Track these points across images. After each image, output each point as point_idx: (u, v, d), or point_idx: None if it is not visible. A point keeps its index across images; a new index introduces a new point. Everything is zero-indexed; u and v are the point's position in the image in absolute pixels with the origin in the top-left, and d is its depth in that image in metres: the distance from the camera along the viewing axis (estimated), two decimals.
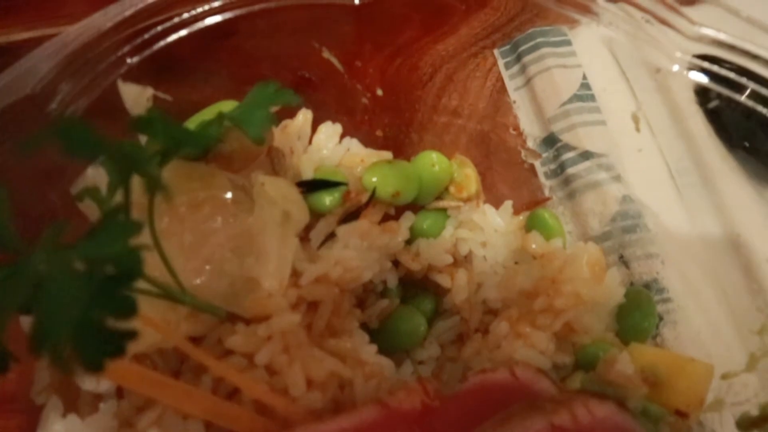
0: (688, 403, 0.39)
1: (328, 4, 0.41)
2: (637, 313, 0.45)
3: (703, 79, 0.50)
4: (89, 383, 0.39)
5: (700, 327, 0.47)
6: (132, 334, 0.26)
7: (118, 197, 0.33)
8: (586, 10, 0.55)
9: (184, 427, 0.36)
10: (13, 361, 0.29)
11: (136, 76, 0.39)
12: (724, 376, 0.41)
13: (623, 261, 0.55)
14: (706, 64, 0.46)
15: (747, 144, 0.57)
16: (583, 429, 0.34)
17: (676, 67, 0.46)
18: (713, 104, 0.56)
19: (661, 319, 0.51)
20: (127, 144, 0.29)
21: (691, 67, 0.47)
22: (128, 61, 0.39)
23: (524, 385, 0.39)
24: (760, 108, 0.50)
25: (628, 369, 0.37)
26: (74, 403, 0.39)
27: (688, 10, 0.47)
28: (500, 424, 0.35)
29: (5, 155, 0.35)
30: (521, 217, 0.53)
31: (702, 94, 0.57)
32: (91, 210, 0.40)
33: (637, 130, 0.55)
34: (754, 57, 0.48)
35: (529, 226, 0.52)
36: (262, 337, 0.37)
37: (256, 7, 0.42)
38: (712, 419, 0.42)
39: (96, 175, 0.38)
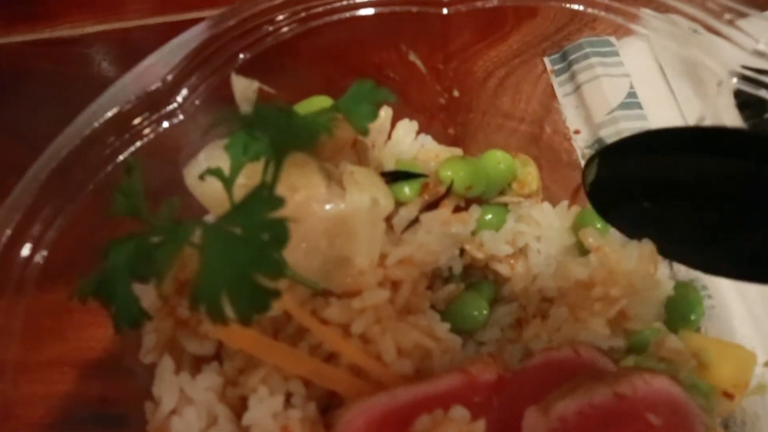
0: (734, 385, 0.43)
1: (416, 12, 0.46)
2: (686, 304, 0.49)
3: (749, 90, 0.53)
4: (194, 346, 0.44)
5: (741, 321, 0.50)
6: (278, 293, 0.30)
7: (239, 177, 0.38)
8: (634, 20, 0.58)
9: (286, 386, 0.40)
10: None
11: (245, 70, 0.44)
12: (767, 364, 0.45)
13: (669, 262, 0.59)
14: (759, 77, 0.49)
15: None
16: (642, 398, 0.38)
17: (730, 79, 0.50)
18: (754, 120, 0.59)
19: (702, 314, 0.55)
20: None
21: (743, 78, 0.50)
22: (240, 57, 0.44)
23: (587, 361, 0.43)
24: None
25: (678, 345, 0.41)
26: (180, 363, 0.44)
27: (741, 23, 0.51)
28: (567, 393, 0.39)
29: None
30: (572, 214, 0.57)
31: (745, 108, 0.60)
32: (198, 189, 0.44)
33: (701, 120, 0.58)
34: None
35: (579, 223, 0.56)
36: (356, 310, 0.42)
37: (347, 14, 0.47)
38: (755, 403, 0.46)
39: (208, 160, 0.42)
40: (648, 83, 0.67)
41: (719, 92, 0.51)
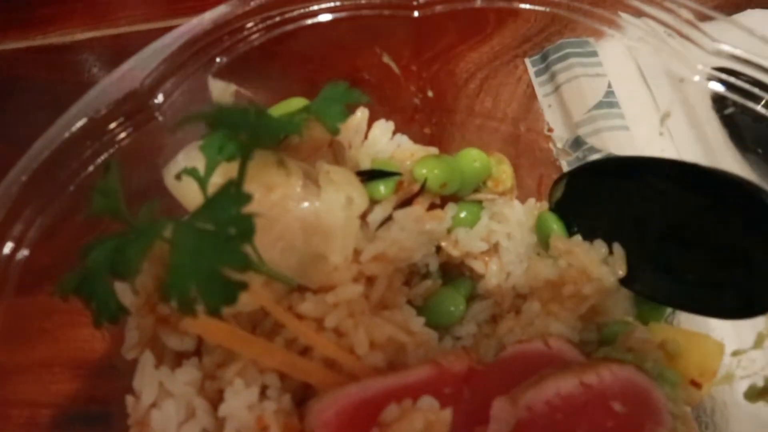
0: (701, 374, 0.44)
1: (389, 15, 0.47)
2: None
3: (720, 88, 0.55)
4: (175, 342, 0.45)
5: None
6: (245, 285, 0.31)
7: (216, 177, 0.39)
8: (612, 24, 0.60)
9: (261, 379, 0.41)
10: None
11: (222, 73, 0.45)
12: (734, 353, 0.46)
13: None
14: (723, 75, 0.51)
15: (760, 150, 0.62)
16: (608, 387, 0.39)
17: (695, 77, 0.51)
18: (729, 111, 0.61)
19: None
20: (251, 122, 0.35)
21: (710, 78, 0.51)
22: (217, 60, 0.45)
23: (556, 353, 0.44)
24: None
25: (645, 336, 0.43)
26: (161, 358, 0.45)
27: (707, 26, 0.52)
28: (537, 382, 0.40)
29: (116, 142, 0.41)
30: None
31: (719, 101, 0.61)
32: (177, 189, 0.45)
33: (661, 133, 0.60)
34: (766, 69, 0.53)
35: (540, 224, 0.56)
36: (330, 304, 0.43)
37: (323, 18, 0.48)
38: (723, 391, 0.47)
39: (186, 160, 0.44)
40: (625, 83, 0.69)
41: (681, 89, 0.52)
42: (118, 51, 0.88)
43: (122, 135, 0.43)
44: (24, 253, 0.41)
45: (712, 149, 0.62)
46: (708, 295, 0.45)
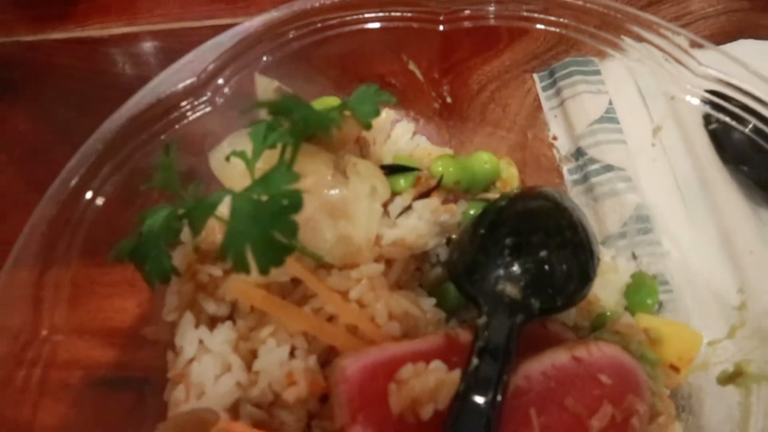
0: (679, 358, 0.49)
1: (417, 28, 0.53)
2: (643, 290, 0.56)
3: (709, 109, 0.61)
4: (212, 307, 0.50)
5: (694, 308, 0.57)
6: (292, 249, 0.37)
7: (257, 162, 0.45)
8: (615, 46, 0.65)
9: (291, 341, 0.46)
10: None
11: (267, 71, 0.50)
12: (710, 343, 0.52)
13: (635, 256, 0.65)
14: (712, 97, 0.56)
15: (745, 168, 0.67)
16: (596, 362, 0.44)
17: (686, 97, 0.57)
18: (718, 127, 0.66)
19: (661, 305, 0.62)
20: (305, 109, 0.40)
21: (700, 99, 0.57)
22: (264, 59, 0.51)
23: (553, 334, 0.50)
24: (757, 139, 0.60)
25: (630, 322, 0.48)
26: (198, 322, 0.50)
27: (699, 53, 0.58)
28: (535, 357, 0.45)
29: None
30: None
31: (708, 119, 0.67)
32: (220, 170, 0.51)
33: (653, 144, 0.65)
34: (752, 96, 0.58)
35: None
36: (354, 279, 0.48)
37: (357, 27, 0.54)
38: (699, 377, 0.52)
39: (231, 145, 0.49)
40: (625, 100, 0.74)
41: (673, 106, 0.58)
42: (153, 46, 0.93)
43: (179, 119, 0.49)
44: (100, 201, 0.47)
45: (701, 163, 0.67)
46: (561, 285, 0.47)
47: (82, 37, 0.93)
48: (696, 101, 0.59)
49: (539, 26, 0.59)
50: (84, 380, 0.56)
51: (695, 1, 0.91)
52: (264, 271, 0.36)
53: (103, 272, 0.61)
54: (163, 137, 0.48)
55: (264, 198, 0.37)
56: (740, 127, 0.60)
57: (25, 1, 0.98)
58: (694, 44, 0.58)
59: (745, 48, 0.84)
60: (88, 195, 0.47)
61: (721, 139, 0.66)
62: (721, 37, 0.85)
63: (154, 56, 0.92)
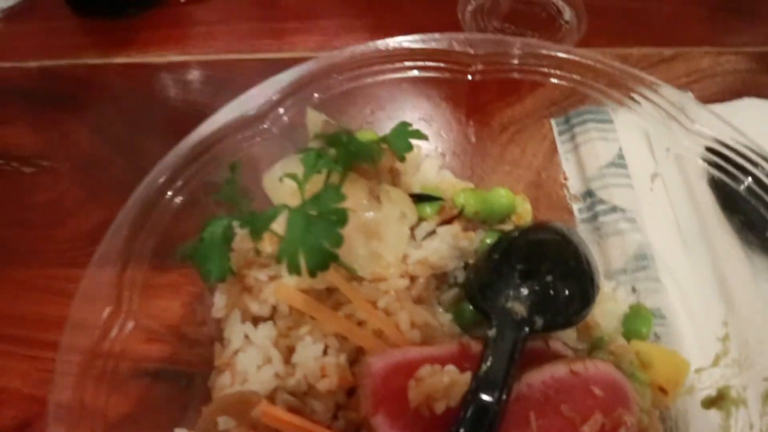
0: (667, 381, 0.55)
1: (447, 79, 0.61)
2: (638, 320, 0.62)
3: (707, 164, 0.67)
4: (255, 307, 0.57)
5: (686, 339, 0.63)
6: (336, 257, 0.44)
7: (306, 184, 0.52)
8: (622, 102, 0.70)
9: (325, 341, 0.53)
10: None
11: (317, 106, 0.59)
12: (697, 371, 0.58)
13: (634, 290, 0.70)
14: (709, 154, 0.63)
15: (742, 217, 0.73)
16: (591, 376, 0.51)
17: (686, 151, 0.63)
18: (716, 179, 0.71)
19: (658, 337, 0.67)
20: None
21: (701, 155, 0.63)
22: (315, 95, 0.59)
23: (554, 351, 0.56)
24: (756, 188, 0.65)
25: (624, 344, 0.54)
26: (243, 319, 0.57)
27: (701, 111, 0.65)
28: (537, 369, 0.52)
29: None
30: None
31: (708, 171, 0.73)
32: (272, 189, 0.58)
33: (651, 189, 0.72)
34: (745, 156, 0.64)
35: None
36: (382, 291, 0.55)
37: (396, 75, 0.62)
38: (685, 401, 0.58)
39: (285, 166, 0.57)
40: (633, 148, 0.81)
41: (667, 156, 0.65)
42: (203, 74, 1.01)
43: (241, 144, 0.57)
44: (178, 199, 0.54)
45: (701, 208, 0.72)
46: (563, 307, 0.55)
47: (142, 63, 1.02)
48: (696, 155, 0.65)
49: (555, 81, 0.66)
50: (131, 371, 0.60)
51: (706, 59, 0.98)
52: (312, 273, 0.44)
53: (152, 275, 0.68)
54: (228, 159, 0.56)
55: (314, 213, 0.44)
56: (737, 180, 0.66)
57: (94, 28, 1.09)
58: (700, 102, 0.64)
59: (748, 105, 0.90)
60: (163, 204, 0.54)
61: (719, 189, 0.72)
62: (728, 93, 0.91)
63: (204, 83, 1.01)
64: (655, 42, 1.00)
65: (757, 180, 0.62)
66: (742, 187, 0.64)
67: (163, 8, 1.10)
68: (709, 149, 0.66)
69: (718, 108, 0.90)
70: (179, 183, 0.55)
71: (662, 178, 0.78)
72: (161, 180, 0.54)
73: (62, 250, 0.82)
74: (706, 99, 0.92)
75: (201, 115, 0.92)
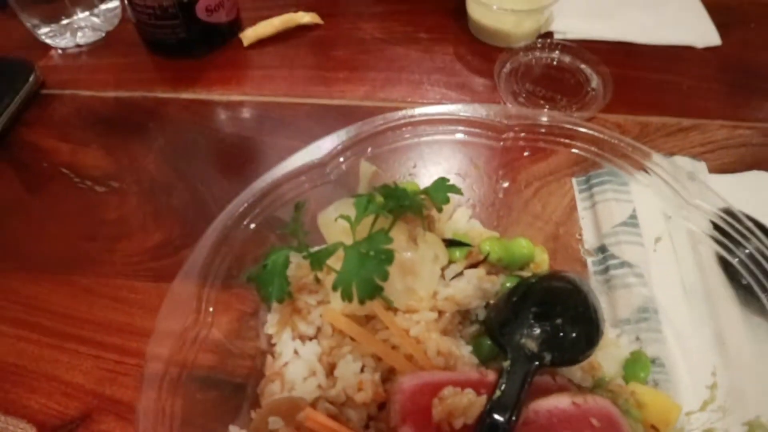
0: (659, 421, 0.63)
1: (482, 143, 0.71)
2: (638, 365, 0.69)
3: (711, 229, 0.74)
4: (303, 327, 0.67)
5: (682, 386, 0.70)
6: (382, 289, 0.53)
7: (358, 225, 0.62)
8: (639, 168, 0.79)
9: (362, 360, 0.62)
10: None
11: (370, 159, 0.69)
12: (687, 414, 0.65)
13: (638, 339, 0.78)
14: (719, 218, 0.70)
15: (743, 281, 0.80)
16: (590, 408, 0.58)
17: (696, 216, 0.71)
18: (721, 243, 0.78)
19: (657, 383, 0.75)
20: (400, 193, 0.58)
21: (707, 221, 0.71)
22: (368, 150, 0.70)
23: (560, 385, 0.64)
24: (757, 256, 0.70)
25: (621, 383, 0.62)
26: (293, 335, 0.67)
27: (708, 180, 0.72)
28: (543, 399, 0.60)
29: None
30: None
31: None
32: (325, 228, 0.68)
33: (654, 250, 0.80)
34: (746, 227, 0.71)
35: None
36: (414, 321, 0.64)
37: (438, 138, 0.72)
38: None
39: (338, 208, 0.67)
40: (646, 211, 0.89)
41: (675, 220, 0.73)
42: (259, 114, 1.11)
43: (305, 185, 0.67)
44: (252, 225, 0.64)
45: (705, 270, 0.78)
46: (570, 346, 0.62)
47: (206, 99, 1.12)
48: (702, 221, 0.73)
49: (575, 151, 0.75)
50: (193, 377, 0.65)
51: (721, 132, 1.05)
52: (362, 301, 0.53)
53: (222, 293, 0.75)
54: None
55: (366, 251, 0.54)
56: (739, 246, 0.73)
57: (165, 65, 1.20)
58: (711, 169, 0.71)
59: (756, 177, 0.98)
60: (237, 232, 0.65)
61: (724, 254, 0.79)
62: (738, 165, 0.98)
63: (259, 122, 1.10)
64: (675, 112, 1.07)
65: (757, 248, 0.69)
66: (743, 254, 0.72)
67: (227, 51, 1.21)
68: (714, 216, 0.74)
69: (729, 178, 0.98)
70: (252, 214, 0.65)
71: (671, 239, 0.85)
72: (240, 210, 0.64)
73: (125, 263, 0.90)
74: (719, 169, 0.98)
75: (254, 149, 1.04)
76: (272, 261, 0.61)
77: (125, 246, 0.93)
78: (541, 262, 0.77)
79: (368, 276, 0.53)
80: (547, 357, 0.59)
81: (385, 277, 0.53)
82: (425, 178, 0.72)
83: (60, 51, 1.24)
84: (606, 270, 0.84)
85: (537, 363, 0.59)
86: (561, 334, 0.61)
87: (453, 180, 0.70)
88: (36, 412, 0.76)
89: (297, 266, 0.68)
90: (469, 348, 0.68)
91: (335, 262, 0.59)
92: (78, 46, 1.24)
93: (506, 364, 0.59)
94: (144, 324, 0.83)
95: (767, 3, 1.28)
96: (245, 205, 0.64)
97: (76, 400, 0.77)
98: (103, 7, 1.23)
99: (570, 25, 1.23)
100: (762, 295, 0.68)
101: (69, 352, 0.81)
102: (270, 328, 0.68)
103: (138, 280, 0.88)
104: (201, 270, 0.63)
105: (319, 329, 0.67)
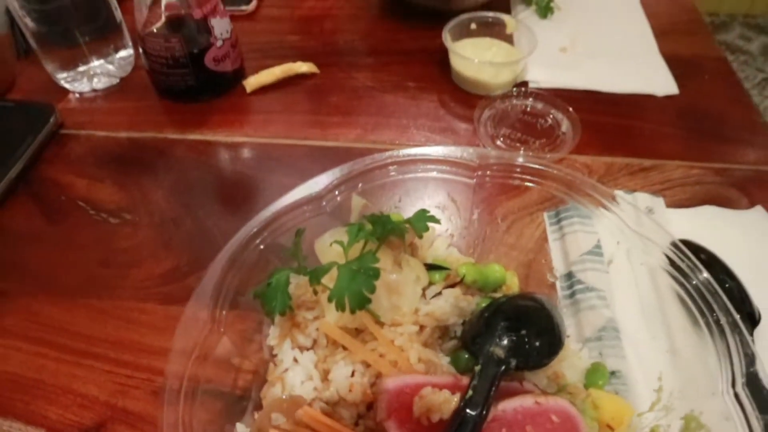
0: (613, 420, 0.71)
1: (457, 180, 0.81)
2: (596, 374, 0.78)
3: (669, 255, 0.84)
4: (301, 339, 0.76)
5: (638, 392, 0.79)
6: (370, 300, 0.62)
7: (350, 249, 0.72)
8: (599, 205, 0.88)
9: (353, 366, 0.71)
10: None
11: (361, 193, 0.79)
12: (638, 415, 0.74)
13: (601, 355, 0.88)
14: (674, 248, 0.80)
15: (693, 304, 0.89)
16: (551, 407, 0.67)
17: (652, 246, 0.81)
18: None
19: (616, 392, 0.84)
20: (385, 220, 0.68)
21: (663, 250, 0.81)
22: (359, 185, 0.80)
23: (526, 389, 0.73)
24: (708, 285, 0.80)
25: (580, 386, 0.71)
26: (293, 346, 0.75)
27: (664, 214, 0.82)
28: (511, 399, 0.69)
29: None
30: None
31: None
32: (321, 252, 0.78)
33: (606, 272, 0.90)
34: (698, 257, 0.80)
35: None
36: (399, 333, 0.73)
37: (420, 174, 0.83)
38: None
39: (333, 235, 0.76)
40: (608, 241, 0.99)
41: (633, 249, 0.82)
42: (259, 154, 1.21)
43: (305, 215, 0.77)
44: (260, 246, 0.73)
45: (662, 293, 0.88)
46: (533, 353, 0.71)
47: (211, 140, 1.23)
48: (658, 250, 0.83)
49: (544, 189, 0.86)
50: (190, 388, 0.68)
51: (677, 172, 1.16)
52: (353, 311, 0.62)
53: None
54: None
55: (356, 269, 0.64)
56: (689, 276, 0.82)
57: (174, 108, 1.31)
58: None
59: (709, 212, 1.08)
60: (243, 257, 0.74)
61: (676, 279, 0.89)
62: (693, 200, 1.08)
63: (260, 161, 1.20)
64: (638, 153, 1.17)
65: (705, 278, 0.79)
66: (693, 282, 0.81)
67: (231, 97, 1.32)
68: (669, 246, 0.83)
69: (684, 212, 1.08)
70: (257, 241, 0.75)
71: (630, 266, 0.95)
72: (246, 237, 0.74)
73: (137, 288, 0.99)
74: (676, 204, 1.08)
75: (255, 186, 1.14)
76: (276, 279, 0.70)
77: (137, 272, 1.01)
78: (512, 284, 0.86)
79: (358, 289, 0.62)
80: (513, 362, 0.69)
81: (372, 290, 0.63)
82: (409, 210, 0.82)
83: (78, 95, 1.35)
84: (573, 294, 0.94)
85: (504, 367, 0.68)
86: (526, 342, 0.70)
87: (433, 212, 0.80)
88: (54, 422, 0.83)
89: (296, 286, 0.77)
90: (448, 359, 0.77)
91: (329, 281, 0.69)
92: (94, 90, 1.35)
93: (477, 368, 0.68)
94: (153, 342, 0.91)
95: (720, 57, 1.42)
96: (252, 231, 0.74)
97: (91, 411, 0.84)
98: (117, 56, 1.35)
99: (543, 76, 1.36)
100: (701, 319, 0.76)
101: (85, 368, 0.89)
102: (272, 340, 0.76)
103: (148, 303, 0.96)
104: (213, 291, 0.72)
105: (315, 341, 0.76)
